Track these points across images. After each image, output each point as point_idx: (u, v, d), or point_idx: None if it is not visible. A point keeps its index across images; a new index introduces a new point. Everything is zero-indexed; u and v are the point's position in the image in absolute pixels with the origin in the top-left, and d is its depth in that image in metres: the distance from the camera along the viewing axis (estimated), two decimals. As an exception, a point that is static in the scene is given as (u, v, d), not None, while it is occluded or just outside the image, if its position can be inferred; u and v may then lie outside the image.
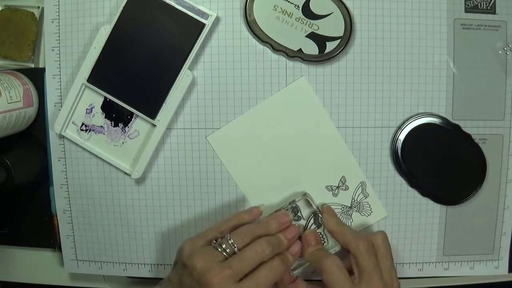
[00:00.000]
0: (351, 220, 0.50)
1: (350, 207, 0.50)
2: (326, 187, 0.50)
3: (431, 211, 0.50)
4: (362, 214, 0.50)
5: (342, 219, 0.50)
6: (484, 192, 0.50)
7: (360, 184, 0.50)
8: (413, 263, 0.51)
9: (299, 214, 0.50)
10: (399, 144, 0.49)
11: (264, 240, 0.42)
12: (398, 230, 0.51)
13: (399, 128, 0.49)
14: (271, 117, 0.50)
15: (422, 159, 0.49)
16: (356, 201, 0.50)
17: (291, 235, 0.46)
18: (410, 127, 0.49)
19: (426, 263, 0.51)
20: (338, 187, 0.50)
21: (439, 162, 0.49)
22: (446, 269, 0.51)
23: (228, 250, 0.41)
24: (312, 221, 0.50)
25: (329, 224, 0.47)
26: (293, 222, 0.48)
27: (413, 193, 0.50)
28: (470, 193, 0.49)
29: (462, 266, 0.51)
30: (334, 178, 0.50)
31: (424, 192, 0.50)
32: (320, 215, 0.49)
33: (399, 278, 0.51)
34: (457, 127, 0.49)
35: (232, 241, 0.42)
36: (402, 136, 0.49)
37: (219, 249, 0.41)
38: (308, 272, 0.51)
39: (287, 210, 0.48)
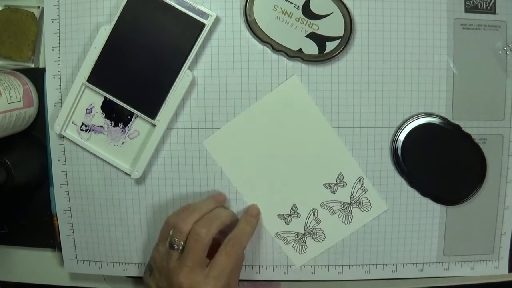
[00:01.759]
0: (351, 216, 0.50)
1: (350, 203, 0.50)
2: (324, 185, 0.50)
3: (431, 211, 0.50)
4: (362, 209, 0.50)
5: (342, 216, 0.50)
6: (484, 192, 0.50)
7: (358, 180, 0.50)
8: (413, 264, 0.51)
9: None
10: (399, 144, 0.49)
11: (196, 225, 0.44)
12: (398, 230, 0.51)
13: (399, 128, 0.49)
14: (265, 117, 0.50)
15: (422, 159, 0.49)
16: (355, 197, 0.50)
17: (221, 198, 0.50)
18: (410, 127, 0.49)
19: (426, 263, 0.51)
20: (336, 184, 0.50)
21: (439, 162, 0.49)
22: (446, 270, 0.51)
23: (175, 247, 0.44)
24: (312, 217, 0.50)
25: None
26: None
27: (413, 193, 0.50)
28: (470, 193, 0.49)
29: (462, 266, 0.51)
30: (331, 176, 0.50)
31: (424, 192, 0.50)
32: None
33: (399, 278, 0.52)
34: (457, 127, 0.48)
35: (176, 238, 0.44)
36: (402, 136, 0.49)
37: (173, 249, 0.44)
38: (309, 273, 0.51)
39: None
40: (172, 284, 0.43)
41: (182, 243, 0.44)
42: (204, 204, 0.47)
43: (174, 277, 0.43)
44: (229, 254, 0.44)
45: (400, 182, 0.50)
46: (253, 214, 0.50)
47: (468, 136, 0.49)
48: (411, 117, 0.49)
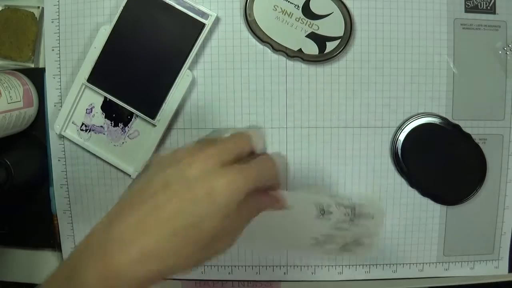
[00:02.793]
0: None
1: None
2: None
3: (431, 211, 0.50)
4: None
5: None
6: (484, 192, 0.50)
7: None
8: (413, 264, 0.51)
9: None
10: (399, 144, 0.49)
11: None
12: (398, 230, 0.51)
13: (399, 128, 0.49)
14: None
15: (422, 159, 0.49)
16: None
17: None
18: (410, 127, 0.49)
19: (426, 263, 0.51)
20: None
21: (439, 162, 0.49)
22: (446, 270, 0.51)
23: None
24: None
25: None
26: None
27: (413, 193, 0.50)
28: (470, 193, 0.49)
29: (462, 266, 0.51)
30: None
31: (424, 192, 0.50)
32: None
33: (399, 278, 0.52)
34: (457, 127, 0.48)
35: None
36: (402, 136, 0.49)
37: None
38: (309, 273, 0.51)
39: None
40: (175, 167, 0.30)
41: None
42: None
43: (187, 158, 0.30)
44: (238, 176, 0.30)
45: (400, 182, 0.50)
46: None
47: (468, 136, 0.49)
48: (411, 117, 0.49)
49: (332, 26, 0.47)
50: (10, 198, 0.54)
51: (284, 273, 0.52)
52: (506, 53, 0.48)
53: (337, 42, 0.47)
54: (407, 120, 0.49)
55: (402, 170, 0.49)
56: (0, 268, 0.57)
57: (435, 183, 0.49)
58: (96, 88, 0.49)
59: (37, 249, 0.56)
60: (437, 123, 0.48)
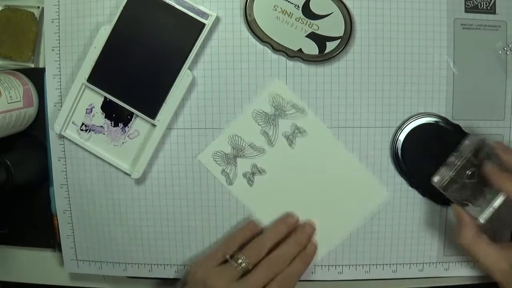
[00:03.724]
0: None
1: None
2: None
3: (431, 211, 0.50)
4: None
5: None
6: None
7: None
8: (413, 264, 0.51)
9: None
10: (399, 144, 0.49)
11: (274, 257, 0.44)
12: (398, 231, 0.51)
13: (399, 128, 0.49)
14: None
15: (422, 159, 0.49)
16: None
17: (310, 231, 0.47)
18: (410, 127, 0.49)
19: (426, 263, 0.51)
20: None
21: (439, 162, 0.49)
22: (446, 270, 0.51)
23: (243, 265, 0.43)
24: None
25: (509, 158, 0.42)
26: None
27: (413, 193, 0.50)
28: (470, 193, 0.49)
29: (462, 266, 0.51)
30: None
31: (424, 192, 0.50)
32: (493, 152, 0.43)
33: (399, 278, 0.52)
34: (457, 127, 0.48)
35: (245, 257, 0.44)
36: (402, 136, 0.49)
37: (235, 264, 0.44)
38: (309, 273, 0.51)
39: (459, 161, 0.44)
40: None
41: (249, 265, 0.44)
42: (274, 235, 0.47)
43: None
44: None
45: (400, 182, 0.50)
46: (309, 253, 0.48)
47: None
48: (411, 117, 0.49)
49: (332, 26, 0.47)
50: (10, 198, 0.54)
51: (284, 273, 0.52)
52: (506, 53, 0.48)
53: (337, 42, 0.47)
54: (407, 120, 0.49)
55: (402, 170, 0.49)
56: (0, 268, 0.58)
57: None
58: (96, 88, 0.49)
59: (37, 249, 0.56)
60: (437, 123, 0.48)
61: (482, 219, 0.42)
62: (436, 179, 0.45)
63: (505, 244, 0.43)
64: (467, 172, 0.44)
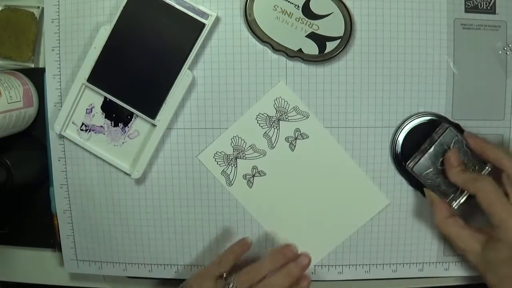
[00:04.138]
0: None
1: None
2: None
3: (431, 211, 0.50)
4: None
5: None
6: (484, 192, 0.50)
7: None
8: (413, 263, 0.51)
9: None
10: (399, 143, 0.49)
11: (263, 286, 0.45)
12: (398, 231, 0.51)
13: (399, 128, 0.49)
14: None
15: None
16: None
17: (304, 263, 0.47)
18: (410, 126, 0.49)
19: (426, 263, 0.51)
20: None
21: (440, 163, 0.49)
22: (446, 269, 0.51)
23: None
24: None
25: (477, 142, 0.45)
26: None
27: (413, 193, 0.50)
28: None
29: (462, 266, 0.51)
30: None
31: (424, 192, 0.50)
32: (464, 140, 0.46)
33: (399, 278, 0.52)
34: (457, 126, 0.48)
35: (236, 282, 0.44)
36: (402, 135, 0.49)
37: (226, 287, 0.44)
38: (309, 273, 0.51)
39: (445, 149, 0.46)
40: None
41: None
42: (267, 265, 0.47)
43: None
44: None
45: (400, 182, 0.50)
46: (296, 268, 0.47)
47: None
48: (411, 116, 0.49)
49: (332, 26, 0.47)
50: (10, 198, 0.54)
51: (284, 273, 0.52)
52: (506, 53, 0.48)
53: (337, 42, 0.47)
54: (407, 119, 0.49)
55: (402, 170, 0.49)
56: (0, 268, 0.58)
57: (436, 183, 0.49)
58: (96, 88, 0.49)
59: (37, 249, 0.56)
60: (437, 122, 0.48)
61: (455, 205, 0.46)
62: (409, 163, 0.47)
63: (478, 227, 0.45)
64: (440, 158, 0.46)
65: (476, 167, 0.46)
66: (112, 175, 0.52)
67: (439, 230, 0.47)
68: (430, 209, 0.47)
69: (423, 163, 0.46)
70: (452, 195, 0.46)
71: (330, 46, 0.47)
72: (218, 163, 0.51)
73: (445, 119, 0.49)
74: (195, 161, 0.51)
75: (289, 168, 0.50)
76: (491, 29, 0.48)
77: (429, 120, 0.49)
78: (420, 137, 0.48)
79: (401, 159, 0.49)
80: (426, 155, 0.46)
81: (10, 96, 0.48)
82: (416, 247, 0.51)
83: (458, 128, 0.48)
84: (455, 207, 0.46)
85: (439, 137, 0.46)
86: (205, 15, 0.46)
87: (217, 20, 0.48)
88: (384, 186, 0.50)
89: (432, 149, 0.46)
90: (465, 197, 0.45)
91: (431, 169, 0.46)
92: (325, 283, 0.52)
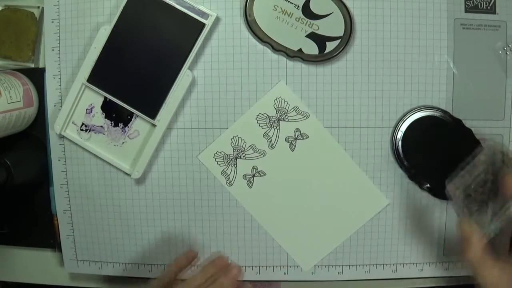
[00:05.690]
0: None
1: None
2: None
3: (431, 212, 0.50)
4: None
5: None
6: (484, 192, 0.50)
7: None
8: (413, 263, 0.51)
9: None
10: (399, 142, 0.49)
11: None
12: (398, 231, 0.51)
13: (401, 120, 0.49)
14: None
15: (423, 152, 0.49)
16: None
17: (233, 274, 0.49)
18: (410, 120, 0.48)
19: (426, 263, 0.51)
20: None
21: (439, 156, 0.49)
22: (446, 269, 0.51)
23: None
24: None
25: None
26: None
27: (413, 193, 0.50)
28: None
29: (462, 266, 0.51)
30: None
31: (423, 186, 0.49)
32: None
33: (399, 278, 0.52)
34: (459, 122, 0.48)
35: None
36: (400, 134, 0.49)
37: None
38: (309, 273, 0.51)
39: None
40: None
41: None
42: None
43: None
44: None
45: (400, 182, 0.50)
46: (226, 280, 0.49)
47: (469, 131, 0.48)
48: (411, 110, 0.49)
49: (332, 26, 0.47)
50: (10, 198, 0.54)
51: (284, 273, 0.52)
52: (506, 53, 0.48)
53: (337, 42, 0.47)
54: (406, 114, 0.48)
55: (402, 163, 0.49)
56: (0, 268, 0.58)
57: (436, 177, 0.49)
58: (96, 88, 0.49)
59: (37, 249, 0.56)
60: (438, 116, 0.48)
61: (492, 231, 0.41)
62: (449, 187, 0.43)
63: (506, 259, 0.41)
64: (480, 183, 0.42)
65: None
66: (112, 175, 0.52)
67: (469, 266, 0.41)
68: (462, 240, 0.41)
69: (464, 188, 0.42)
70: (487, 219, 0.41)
71: (330, 46, 0.47)
72: (218, 163, 0.51)
73: (446, 113, 0.48)
74: (195, 161, 0.51)
75: (289, 168, 0.50)
76: (491, 29, 0.48)
77: (430, 114, 0.48)
78: (421, 131, 0.48)
79: (402, 157, 0.49)
80: (467, 180, 0.42)
81: (10, 96, 0.48)
82: (416, 247, 0.51)
83: (460, 124, 0.48)
84: (493, 234, 0.41)
85: (485, 162, 0.42)
86: (205, 15, 0.46)
87: (217, 20, 0.48)
88: (384, 186, 0.50)
89: (474, 174, 0.42)
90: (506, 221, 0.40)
91: (469, 194, 0.42)
92: (325, 283, 0.52)
